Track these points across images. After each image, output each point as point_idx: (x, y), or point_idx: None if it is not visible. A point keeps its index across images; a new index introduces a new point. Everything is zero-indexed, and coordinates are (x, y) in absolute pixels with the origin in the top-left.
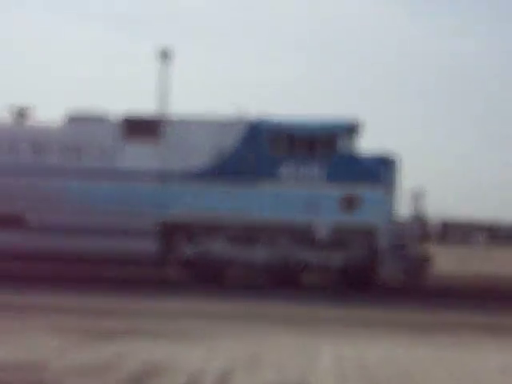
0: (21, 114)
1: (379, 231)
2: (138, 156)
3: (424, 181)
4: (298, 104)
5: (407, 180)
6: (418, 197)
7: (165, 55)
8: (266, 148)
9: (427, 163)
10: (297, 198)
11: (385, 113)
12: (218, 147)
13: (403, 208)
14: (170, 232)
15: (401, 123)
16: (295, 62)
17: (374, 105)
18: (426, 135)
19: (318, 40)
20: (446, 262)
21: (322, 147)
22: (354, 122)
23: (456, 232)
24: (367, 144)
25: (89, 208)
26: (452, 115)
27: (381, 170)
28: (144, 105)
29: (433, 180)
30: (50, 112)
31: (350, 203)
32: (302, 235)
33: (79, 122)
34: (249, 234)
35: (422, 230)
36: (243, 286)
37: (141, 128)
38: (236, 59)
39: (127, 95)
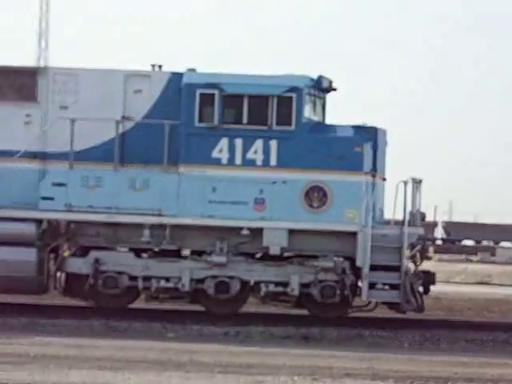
0: None
1: (359, 236)
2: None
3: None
4: None
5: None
6: (414, 188)
7: None
8: (192, 116)
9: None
10: (239, 190)
11: None
12: (122, 112)
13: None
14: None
15: None
16: None
17: None
18: None
19: None
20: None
21: (276, 115)
22: (322, 79)
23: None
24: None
25: None
26: None
27: (362, 149)
28: None
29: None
30: None
31: (316, 197)
32: (247, 244)
33: None
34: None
35: (420, 233)
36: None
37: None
38: None
39: None
